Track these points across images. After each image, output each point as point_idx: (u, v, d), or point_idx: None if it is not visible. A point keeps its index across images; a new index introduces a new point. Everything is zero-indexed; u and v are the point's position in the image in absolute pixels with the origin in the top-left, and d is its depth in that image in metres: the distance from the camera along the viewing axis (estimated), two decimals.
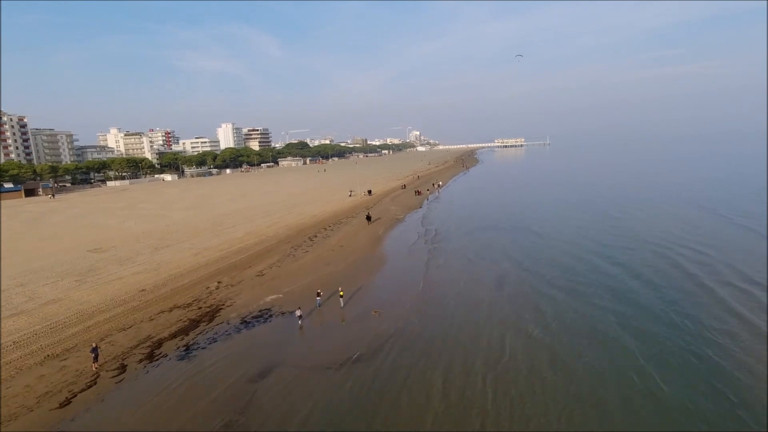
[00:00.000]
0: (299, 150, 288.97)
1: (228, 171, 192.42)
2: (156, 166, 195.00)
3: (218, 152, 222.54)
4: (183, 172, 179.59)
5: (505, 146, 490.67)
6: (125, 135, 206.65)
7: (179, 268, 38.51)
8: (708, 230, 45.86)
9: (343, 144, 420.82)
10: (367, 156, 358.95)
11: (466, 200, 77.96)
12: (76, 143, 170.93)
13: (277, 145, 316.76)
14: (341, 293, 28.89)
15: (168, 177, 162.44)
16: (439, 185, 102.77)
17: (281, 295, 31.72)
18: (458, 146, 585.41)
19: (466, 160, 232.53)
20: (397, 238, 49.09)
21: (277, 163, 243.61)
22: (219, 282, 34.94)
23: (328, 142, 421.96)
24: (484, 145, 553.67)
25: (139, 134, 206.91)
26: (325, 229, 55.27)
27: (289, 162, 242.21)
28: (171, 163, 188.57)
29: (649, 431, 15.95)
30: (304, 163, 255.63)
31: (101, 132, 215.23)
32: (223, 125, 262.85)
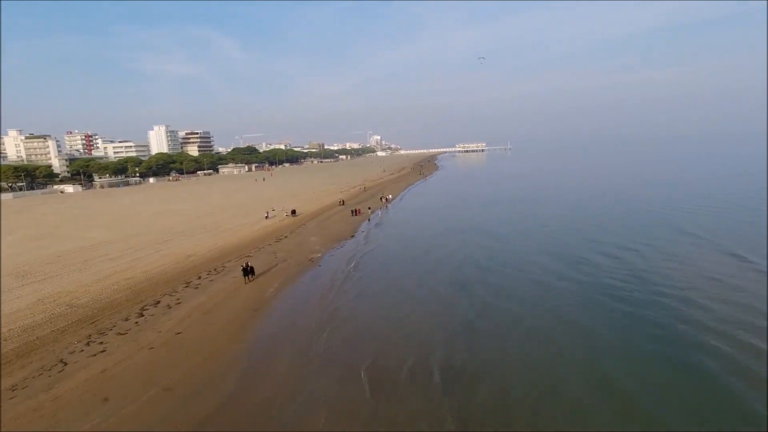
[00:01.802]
0: (246, 155, 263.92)
1: (151, 180, 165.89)
2: (66, 174, 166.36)
3: (146, 158, 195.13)
4: (92, 181, 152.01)
5: (467, 151, 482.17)
6: (26, 138, 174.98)
7: None
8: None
9: (297, 149, 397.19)
10: (321, 161, 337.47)
11: (414, 224, 59.43)
12: None
13: (223, 150, 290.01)
14: None
15: (69, 188, 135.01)
16: (387, 200, 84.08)
17: None
18: (419, 151, 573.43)
19: (425, 166, 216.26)
20: (285, 312, 29.26)
21: (216, 170, 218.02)
22: None
23: (283, 146, 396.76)
24: (445, 150, 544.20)
25: (44, 137, 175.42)
26: (188, 284, 34.91)
27: (230, 169, 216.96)
28: (82, 170, 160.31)
29: None
30: (249, 170, 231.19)
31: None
32: (156, 127, 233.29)
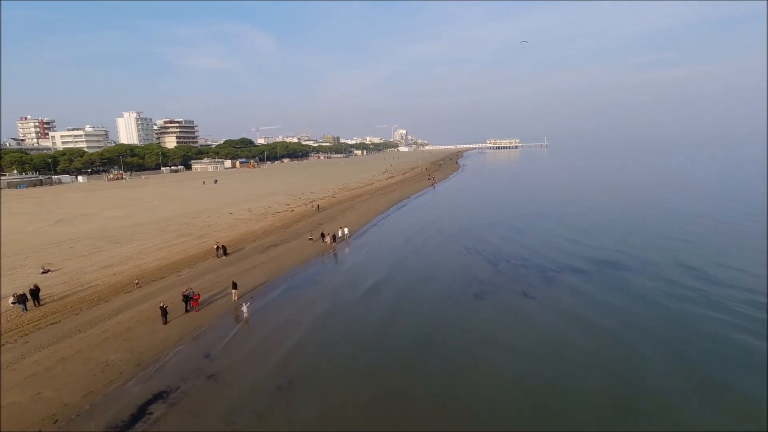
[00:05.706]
0: (237, 149, 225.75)
1: (80, 179, 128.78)
2: None
3: (98, 149, 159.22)
4: None
5: (498, 147, 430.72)
6: None
7: None
8: None
9: (308, 143, 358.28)
10: (329, 157, 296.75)
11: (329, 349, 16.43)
12: None
13: (214, 143, 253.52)
14: None
15: None
16: (336, 237, 41.53)
17: None
18: (446, 147, 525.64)
19: (444, 165, 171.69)
20: None
21: (189, 166, 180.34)
22: None
23: (296, 140, 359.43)
24: (474, 146, 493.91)
25: None
26: None
27: (204, 165, 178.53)
28: None
29: None
30: (233, 166, 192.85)
31: None
32: (126, 114, 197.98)
